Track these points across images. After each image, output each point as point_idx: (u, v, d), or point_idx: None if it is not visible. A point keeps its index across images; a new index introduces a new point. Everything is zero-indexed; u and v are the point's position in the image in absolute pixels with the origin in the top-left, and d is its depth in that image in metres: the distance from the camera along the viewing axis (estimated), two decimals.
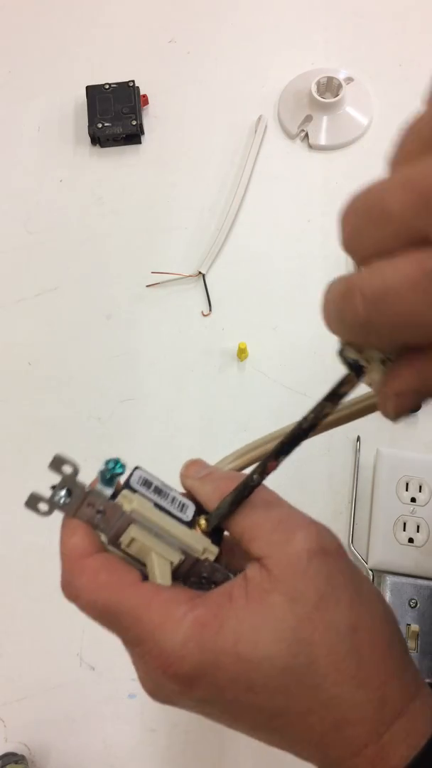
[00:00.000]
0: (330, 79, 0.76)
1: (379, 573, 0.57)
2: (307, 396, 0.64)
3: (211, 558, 0.31)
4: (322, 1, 0.85)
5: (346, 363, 0.28)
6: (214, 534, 0.32)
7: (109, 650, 0.56)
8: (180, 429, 0.65)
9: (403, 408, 0.26)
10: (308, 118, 0.76)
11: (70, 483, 0.31)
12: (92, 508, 0.31)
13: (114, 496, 0.31)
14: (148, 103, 0.79)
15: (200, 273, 0.70)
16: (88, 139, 0.78)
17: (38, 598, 0.58)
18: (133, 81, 0.78)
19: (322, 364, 0.66)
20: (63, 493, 0.31)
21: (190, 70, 0.82)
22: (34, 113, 0.81)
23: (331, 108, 0.76)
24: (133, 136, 0.77)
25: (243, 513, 0.31)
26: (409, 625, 0.54)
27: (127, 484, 0.32)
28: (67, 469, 0.31)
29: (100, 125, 0.76)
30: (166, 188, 0.76)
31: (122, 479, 0.33)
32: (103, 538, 0.32)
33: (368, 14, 0.84)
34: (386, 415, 0.27)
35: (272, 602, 0.28)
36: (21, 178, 0.78)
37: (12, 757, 0.53)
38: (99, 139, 0.77)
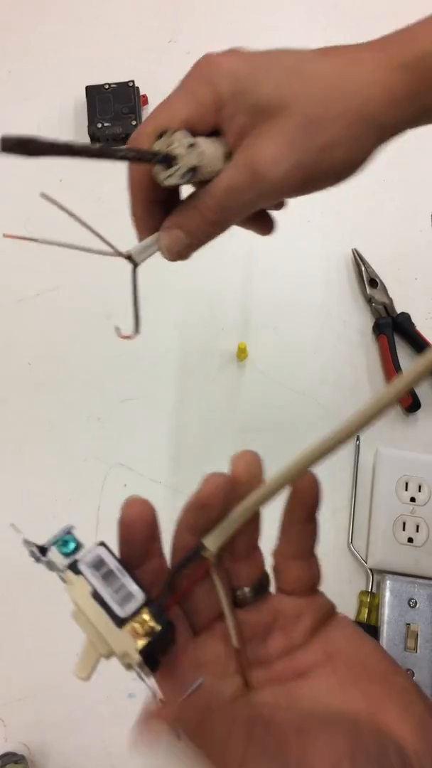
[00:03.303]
0: None
1: (379, 573, 0.57)
2: (307, 396, 0.64)
3: (131, 663, 0.29)
4: (322, 1, 0.85)
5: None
6: (162, 636, 0.29)
7: None
8: (180, 429, 0.65)
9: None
10: None
11: (35, 553, 0.30)
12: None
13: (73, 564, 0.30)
14: (147, 103, 0.79)
15: None
16: (88, 139, 0.78)
17: (38, 598, 0.58)
18: (132, 81, 0.78)
19: (321, 364, 0.66)
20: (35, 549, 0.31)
21: None
22: (34, 113, 0.81)
23: None
24: None
25: None
26: (409, 624, 0.54)
27: (74, 563, 0.30)
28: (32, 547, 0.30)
29: (99, 125, 0.76)
30: None
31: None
32: None
33: (368, 14, 0.84)
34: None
35: None
36: (21, 178, 0.78)
37: (12, 757, 0.53)
38: (99, 139, 0.77)
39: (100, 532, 0.60)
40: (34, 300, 0.71)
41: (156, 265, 0.66)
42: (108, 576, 0.29)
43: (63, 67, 0.83)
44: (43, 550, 0.30)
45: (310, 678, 0.29)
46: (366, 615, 0.56)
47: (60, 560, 0.29)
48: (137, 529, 0.29)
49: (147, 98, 0.79)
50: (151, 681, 0.29)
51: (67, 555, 0.29)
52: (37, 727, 0.55)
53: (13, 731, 0.55)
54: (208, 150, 0.34)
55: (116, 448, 0.64)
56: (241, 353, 0.66)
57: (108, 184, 0.77)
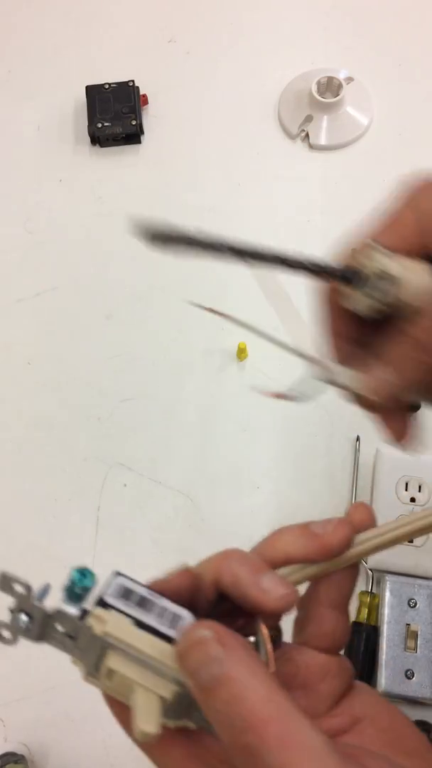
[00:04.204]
0: (330, 78, 0.76)
1: (379, 573, 0.57)
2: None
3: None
4: (321, 1, 0.85)
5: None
6: None
7: None
8: (180, 429, 0.65)
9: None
10: (308, 118, 0.76)
11: (25, 605, 0.25)
12: (61, 632, 0.25)
13: (86, 613, 0.25)
14: (147, 102, 0.79)
15: None
16: (88, 138, 0.78)
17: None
18: (132, 81, 0.78)
19: None
20: (23, 617, 0.25)
21: (190, 70, 0.82)
22: (33, 113, 0.80)
23: (332, 108, 0.76)
24: (133, 136, 0.77)
25: None
26: (409, 624, 0.54)
27: (100, 600, 0.25)
28: (19, 589, 0.25)
29: (99, 125, 0.76)
30: (166, 188, 0.76)
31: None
32: (83, 669, 0.26)
33: (368, 14, 0.84)
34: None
35: None
36: (21, 178, 0.78)
37: (12, 756, 0.53)
38: (99, 138, 0.77)
39: (100, 532, 0.60)
40: (34, 300, 0.71)
41: (155, 263, 0.65)
42: (143, 603, 0.25)
43: (63, 67, 0.83)
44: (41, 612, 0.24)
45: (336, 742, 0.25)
46: (366, 615, 0.56)
47: (70, 607, 0.25)
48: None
49: (147, 98, 0.79)
50: None
51: (83, 591, 0.25)
52: (37, 727, 0.55)
53: (13, 731, 0.55)
54: (410, 266, 0.28)
55: (116, 448, 0.64)
56: (241, 353, 0.66)
57: (108, 183, 0.77)
